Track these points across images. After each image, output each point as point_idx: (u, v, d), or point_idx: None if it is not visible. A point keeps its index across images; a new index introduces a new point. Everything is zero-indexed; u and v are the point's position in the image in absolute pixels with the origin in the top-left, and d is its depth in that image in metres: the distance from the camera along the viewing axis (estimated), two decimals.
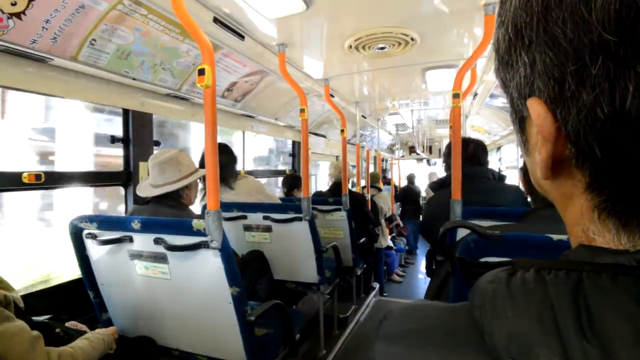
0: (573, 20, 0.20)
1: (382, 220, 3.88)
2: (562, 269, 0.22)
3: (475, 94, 3.04)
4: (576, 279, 0.21)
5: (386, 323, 0.32)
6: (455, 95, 1.53)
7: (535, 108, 0.24)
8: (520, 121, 0.28)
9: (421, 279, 4.55)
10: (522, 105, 0.26)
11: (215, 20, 1.53)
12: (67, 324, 1.19)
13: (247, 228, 2.06)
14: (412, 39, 1.86)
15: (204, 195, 1.88)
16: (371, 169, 5.91)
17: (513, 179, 3.99)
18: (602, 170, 0.22)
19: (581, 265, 0.22)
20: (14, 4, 1.11)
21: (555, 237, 0.77)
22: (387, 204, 4.24)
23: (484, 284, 0.25)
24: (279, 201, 2.35)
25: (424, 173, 7.93)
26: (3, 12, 1.11)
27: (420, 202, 5.97)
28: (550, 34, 0.21)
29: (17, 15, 1.14)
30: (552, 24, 0.21)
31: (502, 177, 1.72)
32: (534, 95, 0.24)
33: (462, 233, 1.28)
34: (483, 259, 0.82)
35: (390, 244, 4.31)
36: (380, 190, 4.27)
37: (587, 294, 0.20)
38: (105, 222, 1.30)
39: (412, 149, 7.39)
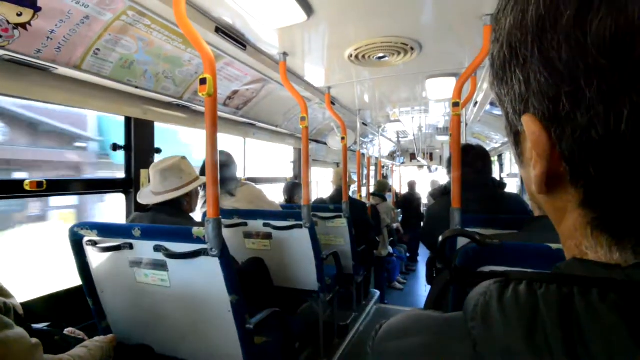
0: (568, 44, 0.20)
1: (384, 230, 3.87)
2: (554, 282, 0.22)
3: (476, 102, 3.05)
4: (567, 293, 0.21)
5: (380, 336, 0.32)
6: (455, 104, 1.54)
7: (530, 126, 0.24)
8: (515, 135, 0.28)
9: (422, 286, 4.52)
10: (517, 120, 0.26)
11: (217, 30, 1.55)
12: (65, 331, 1.18)
13: (248, 235, 2.05)
14: (412, 48, 1.88)
15: (205, 202, 1.89)
16: (372, 176, 5.91)
17: (513, 186, 3.98)
18: (596, 188, 0.22)
19: (573, 280, 0.22)
20: (19, 15, 1.13)
21: (554, 246, 0.77)
22: (390, 215, 4.23)
23: (477, 296, 0.25)
24: (280, 208, 2.35)
25: (425, 180, 7.93)
26: (9, 23, 1.13)
27: (422, 209, 5.95)
28: (545, 54, 0.21)
29: (23, 25, 1.16)
30: (547, 45, 0.21)
31: (502, 185, 1.72)
32: (528, 112, 0.24)
33: (463, 241, 1.28)
34: (482, 268, 0.82)
35: (391, 250, 4.29)
36: (385, 200, 4.26)
37: (577, 310, 0.20)
38: (105, 229, 1.30)
39: (413, 156, 7.40)
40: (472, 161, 1.63)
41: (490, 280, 0.26)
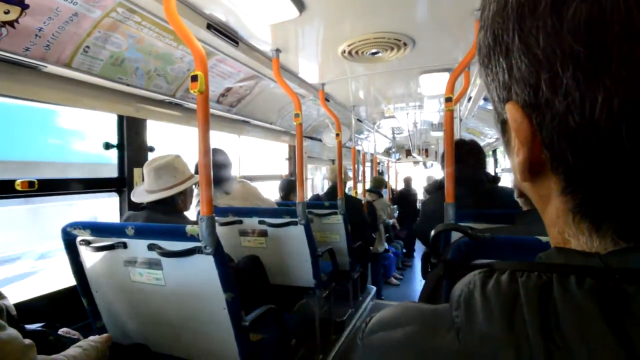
0: (545, 30, 0.20)
1: (380, 226, 3.89)
2: (535, 271, 0.22)
3: (470, 97, 3.06)
4: (546, 280, 0.21)
5: (369, 328, 0.32)
6: (448, 99, 1.54)
7: (513, 113, 0.24)
8: (502, 124, 0.28)
9: (418, 281, 4.55)
10: (501, 108, 0.26)
11: (209, 26, 1.53)
12: (59, 332, 1.18)
13: (243, 233, 2.05)
14: (405, 44, 1.88)
15: (199, 200, 1.88)
16: (367, 173, 5.93)
17: (508, 181, 4.01)
18: (575, 175, 0.23)
19: (552, 268, 0.22)
20: (7, 13, 1.12)
21: (544, 239, 0.78)
22: (386, 211, 4.24)
23: (462, 287, 0.26)
24: (275, 206, 2.35)
25: (421, 176, 7.97)
26: None
27: (418, 205, 5.98)
28: (524, 41, 0.22)
29: (10, 23, 1.14)
30: (527, 32, 0.21)
31: (496, 180, 1.73)
32: (511, 100, 0.24)
33: (456, 235, 1.29)
34: (473, 262, 0.83)
35: (386, 246, 4.32)
36: (381, 196, 4.28)
37: (555, 296, 0.20)
38: (99, 228, 1.29)
39: (408, 152, 7.42)
40: (465, 156, 1.64)
41: (475, 271, 0.26)
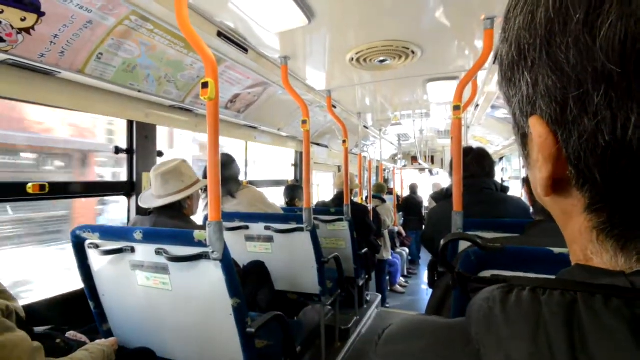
0: (577, 47, 0.20)
1: (385, 232, 3.87)
2: (557, 288, 0.22)
3: (477, 105, 3.05)
4: (570, 299, 0.21)
5: (383, 340, 0.32)
6: (456, 108, 1.54)
7: (537, 128, 0.23)
8: (523, 137, 0.27)
9: (424, 289, 4.50)
10: (524, 122, 0.26)
11: (220, 34, 1.56)
12: (67, 335, 1.18)
13: (249, 238, 2.05)
14: (413, 52, 1.89)
15: (206, 205, 1.89)
16: (373, 179, 5.91)
17: (516, 189, 3.97)
18: (602, 194, 0.22)
19: (576, 286, 0.22)
20: (23, 20, 1.14)
21: (556, 250, 0.77)
22: (390, 216, 4.23)
23: (480, 302, 0.25)
24: (281, 211, 2.35)
25: (427, 183, 7.93)
26: (13, 28, 1.14)
27: (423, 212, 5.95)
28: (553, 58, 0.21)
29: (27, 30, 1.17)
30: (556, 49, 0.21)
31: (504, 189, 1.71)
32: (535, 114, 0.24)
33: (464, 245, 1.27)
34: (483, 272, 0.82)
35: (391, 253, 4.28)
36: (384, 201, 4.26)
37: (580, 316, 0.20)
38: (107, 232, 1.30)
39: (414, 159, 7.39)
40: (472, 164, 1.63)
41: (493, 286, 0.26)
